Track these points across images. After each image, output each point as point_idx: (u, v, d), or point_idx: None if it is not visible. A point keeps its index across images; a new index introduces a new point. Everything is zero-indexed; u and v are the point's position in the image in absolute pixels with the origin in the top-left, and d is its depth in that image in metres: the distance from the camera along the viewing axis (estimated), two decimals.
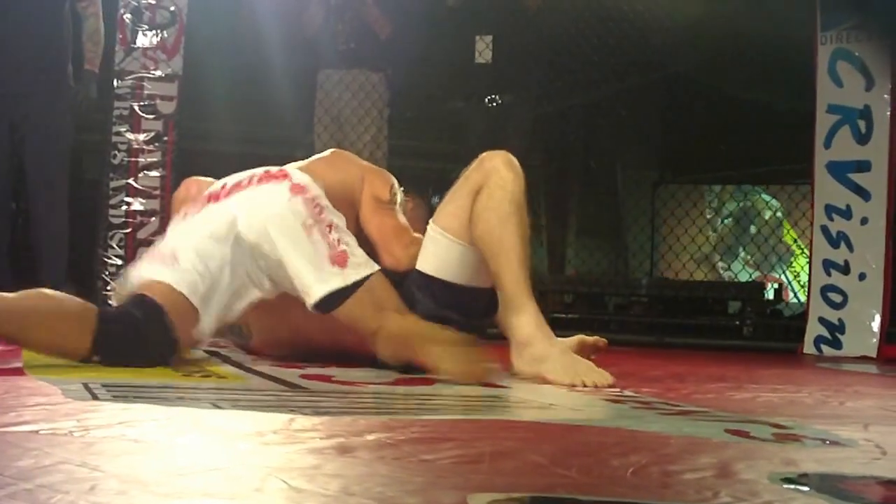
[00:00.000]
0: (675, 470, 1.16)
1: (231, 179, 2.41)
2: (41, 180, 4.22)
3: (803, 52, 4.70)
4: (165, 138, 4.89)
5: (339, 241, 2.27)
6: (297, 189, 2.30)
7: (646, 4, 5.47)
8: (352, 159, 2.64)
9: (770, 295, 6.71)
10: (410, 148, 7.48)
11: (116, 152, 4.86)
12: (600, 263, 7.00)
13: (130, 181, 4.83)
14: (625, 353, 4.18)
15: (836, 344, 4.40)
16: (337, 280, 2.23)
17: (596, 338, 2.75)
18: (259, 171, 2.41)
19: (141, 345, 2.13)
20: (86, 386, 1.69)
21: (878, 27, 4.37)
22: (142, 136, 4.87)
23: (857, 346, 4.34)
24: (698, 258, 6.95)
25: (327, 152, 2.67)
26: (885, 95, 4.39)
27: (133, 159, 4.86)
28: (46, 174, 4.23)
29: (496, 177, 2.33)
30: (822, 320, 4.46)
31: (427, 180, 9.48)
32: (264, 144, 6.99)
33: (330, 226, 2.27)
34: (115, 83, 4.95)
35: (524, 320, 2.25)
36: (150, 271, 2.26)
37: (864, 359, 4.25)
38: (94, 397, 1.58)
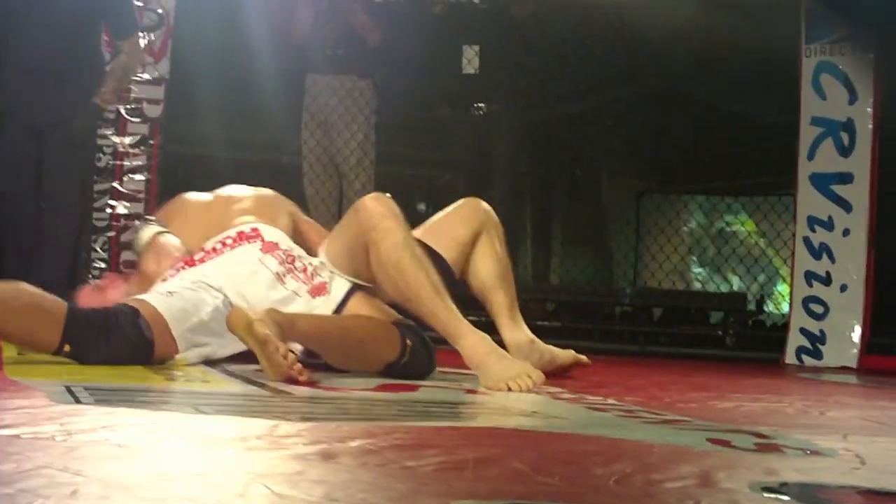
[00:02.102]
0: (658, 479, 1.17)
1: (208, 243, 2.53)
2: (55, 187, 4.00)
3: (788, 65, 4.73)
4: (151, 142, 4.87)
5: (313, 275, 2.45)
6: (269, 247, 2.48)
7: (632, 16, 5.50)
8: (284, 202, 2.78)
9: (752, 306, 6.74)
10: (397, 154, 7.48)
11: (101, 155, 4.84)
12: (585, 272, 7.01)
13: (115, 184, 4.81)
14: (608, 362, 4.20)
15: (818, 354, 4.43)
16: (324, 309, 2.40)
17: (574, 358, 2.74)
18: (233, 232, 2.54)
19: (112, 339, 2.19)
20: (69, 389, 1.69)
21: (861, 41, 4.41)
22: (127, 140, 4.85)
23: (838, 356, 4.37)
24: (681, 268, 6.97)
25: (267, 193, 2.80)
26: (868, 109, 4.42)
27: (118, 162, 4.84)
28: (61, 182, 4.00)
29: (375, 234, 2.39)
30: (803, 331, 4.48)
31: (414, 187, 9.50)
32: (251, 149, 6.98)
33: (304, 269, 2.46)
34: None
35: (462, 344, 2.31)
36: (143, 295, 2.36)
37: (844, 369, 4.28)
38: (77, 401, 1.58)
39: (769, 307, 7.00)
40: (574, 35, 5.54)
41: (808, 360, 4.44)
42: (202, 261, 2.47)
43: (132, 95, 4.87)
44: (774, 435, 1.66)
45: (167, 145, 5.01)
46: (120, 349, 2.19)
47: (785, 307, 5.70)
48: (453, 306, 2.35)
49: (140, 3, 4.90)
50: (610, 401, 2.12)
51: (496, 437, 1.51)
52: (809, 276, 4.48)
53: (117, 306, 2.29)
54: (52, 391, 1.65)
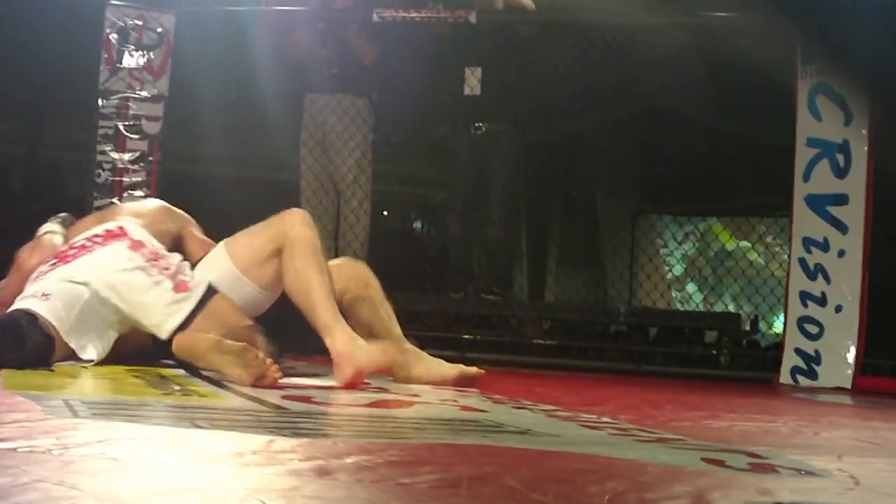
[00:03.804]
0: (652, 498, 1.17)
1: (77, 240, 2.75)
2: None
3: (784, 86, 4.75)
4: (150, 158, 4.89)
5: (176, 273, 2.70)
6: (136, 245, 2.71)
7: (628, 36, 5.53)
8: (172, 214, 3.03)
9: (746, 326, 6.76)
10: (394, 173, 7.51)
11: (101, 171, 4.86)
12: (580, 291, 7.02)
13: (115, 201, 4.82)
14: (603, 380, 4.20)
15: (812, 375, 4.43)
16: (188, 304, 2.64)
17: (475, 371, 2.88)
18: (99, 230, 2.77)
19: (21, 342, 2.39)
20: (66, 402, 1.69)
21: (855, 69, 4.43)
22: (126, 156, 4.87)
23: (833, 377, 4.37)
24: (666, 294, 6.98)
25: (154, 204, 3.07)
26: (863, 130, 4.44)
27: (117, 179, 4.85)
28: None
29: (295, 234, 2.71)
30: (798, 351, 4.49)
31: (409, 205, 9.52)
32: (250, 166, 7.00)
33: (168, 268, 2.69)
34: (99, 102, 4.95)
35: (336, 339, 2.58)
36: (23, 304, 2.52)
37: (839, 390, 4.28)
38: (75, 414, 1.58)
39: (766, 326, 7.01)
40: (571, 55, 5.57)
41: (803, 380, 4.44)
42: (74, 257, 2.67)
43: (131, 112, 4.89)
44: (769, 455, 1.66)
45: (166, 162, 5.03)
46: (30, 352, 2.38)
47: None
48: (336, 310, 2.65)
49: (140, 22, 4.93)
50: (604, 419, 2.12)
51: (491, 455, 1.51)
52: (804, 297, 4.49)
53: (14, 313, 2.47)
54: (50, 405, 1.65)
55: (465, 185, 5.41)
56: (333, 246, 5.32)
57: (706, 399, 3.33)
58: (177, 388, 2.16)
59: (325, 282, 2.68)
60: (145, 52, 4.92)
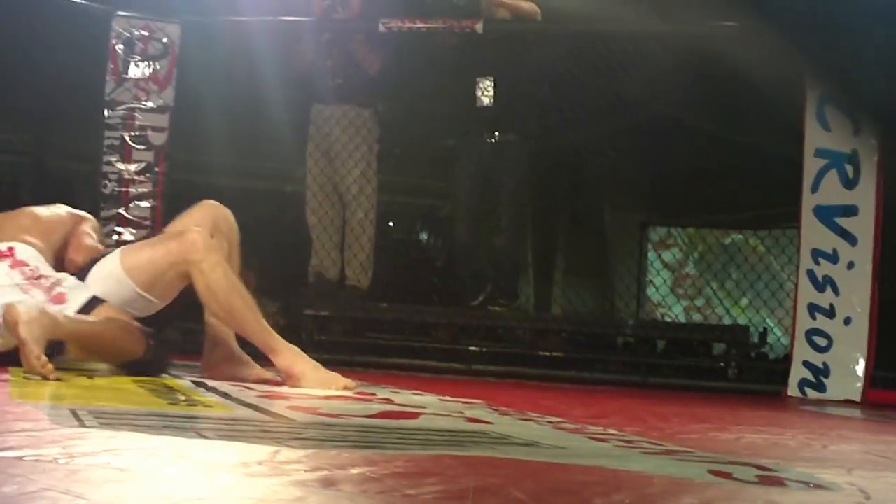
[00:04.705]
0: None
1: None
2: None
3: (792, 96, 4.74)
4: (156, 169, 4.90)
5: (52, 287, 2.82)
6: (17, 264, 2.83)
7: (634, 46, 5.53)
8: (64, 221, 3.17)
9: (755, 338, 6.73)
10: (400, 184, 7.52)
11: (107, 182, 4.87)
12: (586, 302, 7.01)
13: (121, 211, 4.83)
14: (610, 393, 4.19)
15: (821, 387, 4.41)
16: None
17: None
18: None
19: None
20: (73, 412, 1.69)
21: (862, 103, 4.40)
22: (133, 167, 4.88)
23: (842, 389, 4.35)
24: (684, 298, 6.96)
25: (55, 212, 3.20)
26: (873, 140, 4.43)
27: (124, 189, 4.86)
28: None
29: (206, 263, 2.81)
30: (806, 364, 4.47)
31: (415, 216, 9.52)
32: (256, 177, 7.01)
33: (46, 286, 2.80)
34: (105, 113, 4.97)
35: (280, 357, 2.81)
36: None
37: (848, 403, 4.26)
38: (81, 424, 1.58)
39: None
40: (576, 63, 5.56)
41: (812, 393, 4.42)
42: None
43: (137, 123, 4.90)
44: (776, 467, 1.65)
45: (172, 172, 5.04)
46: None
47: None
48: (267, 325, 2.84)
49: (145, 33, 4.95)
50: (610, 431, 2.11)
51: (496, 467, 1.50)
52: (813, 309, 4.47)
53: None
54: (57, 414, 1.65)
55: (470, 194, 5.39)
56: (339, 258, 5.32)
57: (714, 411, 3.32)
58: (182, 398, 2.16)
59: (246, 302, 2.82)
60: (151, 62, 4.94)
